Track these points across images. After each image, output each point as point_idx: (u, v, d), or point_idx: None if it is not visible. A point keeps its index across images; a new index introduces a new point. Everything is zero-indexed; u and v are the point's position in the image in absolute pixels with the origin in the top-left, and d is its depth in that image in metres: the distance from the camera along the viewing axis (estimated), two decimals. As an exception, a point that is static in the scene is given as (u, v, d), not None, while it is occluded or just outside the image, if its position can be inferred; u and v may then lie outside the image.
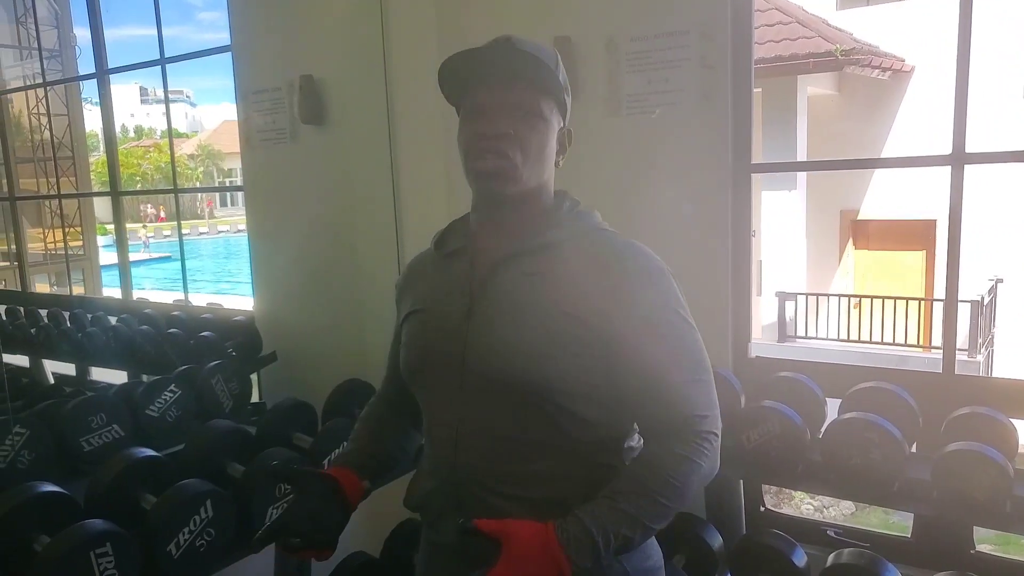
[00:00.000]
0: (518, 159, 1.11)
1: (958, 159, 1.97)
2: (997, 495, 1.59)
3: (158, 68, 3.02)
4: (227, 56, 2.75)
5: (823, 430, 1.85)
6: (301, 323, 2.71)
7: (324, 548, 1.20)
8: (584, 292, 1.10)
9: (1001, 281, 8.67)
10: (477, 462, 1.13)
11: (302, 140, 2.59)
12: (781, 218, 8.47)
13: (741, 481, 2.15)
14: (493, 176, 1.12)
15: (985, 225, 7.59)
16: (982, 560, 1.99)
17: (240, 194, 3.30)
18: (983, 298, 7.83)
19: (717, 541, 1.97)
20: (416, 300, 1.25)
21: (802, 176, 8.78)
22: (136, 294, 3.22)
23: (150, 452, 1.67)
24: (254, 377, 2.63)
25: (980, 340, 7.78)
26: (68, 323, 2.82)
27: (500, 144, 1.10)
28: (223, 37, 2.78)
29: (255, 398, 2.53)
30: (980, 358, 7.66)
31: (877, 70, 8.84)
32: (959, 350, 2.05)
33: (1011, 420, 1.77)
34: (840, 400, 1.97)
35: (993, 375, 7.73)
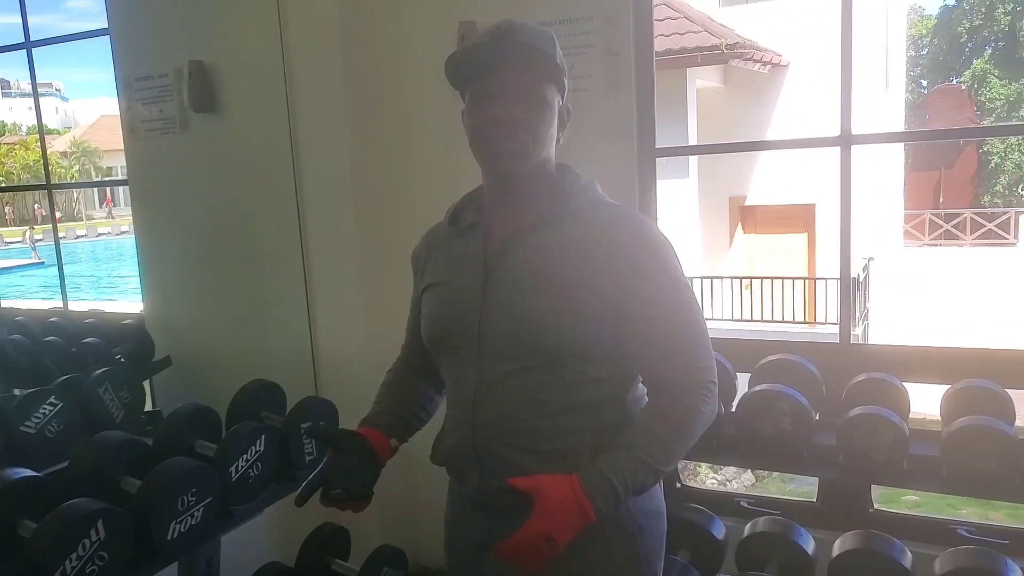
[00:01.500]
0: (529, 141, 1.20)
1: (846, 140, 2.07)
2: (895, 454, 1.67)
3: (24, 58, 2.77)
4: (104, 46, 2.56)
5: (735, 403, 1.90)
6: (198, 324, 2.56)
7: (362, 499, 1.30)
8: (595, 264, 1.19)
9: (873, 259, 9.30)
10: (495, 420, 1.23)
11: (194, 130, 2.45)
12: (675, 205, 8.75)
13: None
14: (507, 157, 1.20)
15: (856, 207, 8.09)
16: (880, 517, 2.10)
17: (124, 195, 3.08)
18: (858, 275, 8.37)
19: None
20: (434, 273, 1.35)
21: (694, 165, 9.11)
22: (3, 303, 2.96)
23: (27, 472, 1.51)
24: (147, 385, 2.46)
25: (858, 314, 8.32)
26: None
27: (511, 128, 1.19)
28: (96, 25, 2.59)
29: (148, 406, 2.37)
30: (858, 330, 8.20)
31: (759, 64, 9.29)
32: (839, 324, 2.16)
33: (903, 384, 1.88)
34: (748, 374, 2.03)
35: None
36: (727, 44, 8.45)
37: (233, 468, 1.72)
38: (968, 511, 4.90)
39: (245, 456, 1.75)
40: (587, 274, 1.18)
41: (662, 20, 8.55)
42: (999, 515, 4.45)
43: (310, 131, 2.41)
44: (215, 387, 2.19)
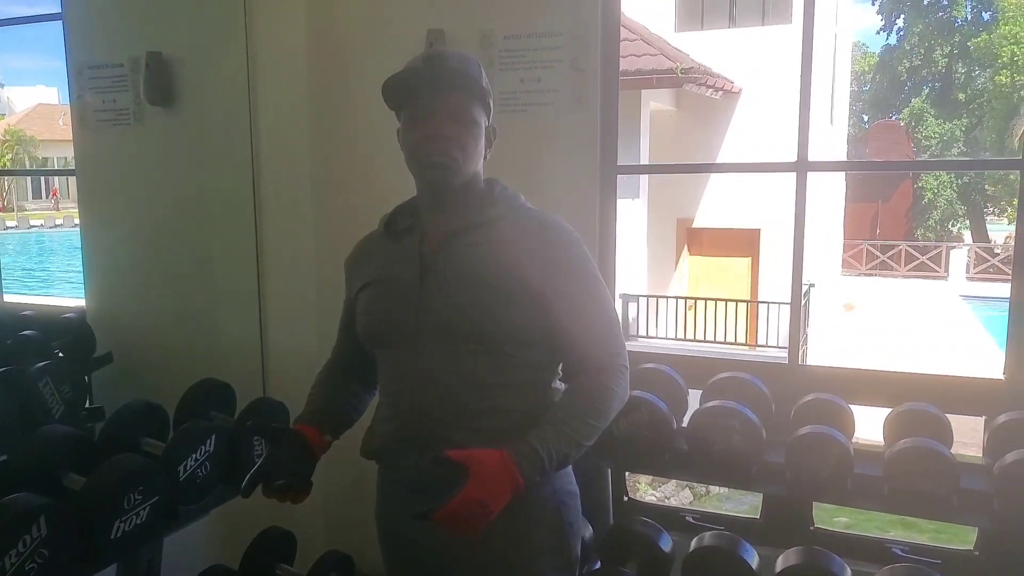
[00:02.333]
0: (459, 156, 1.33)
1: (802, 166, 2.14)
2: (841, 473, 1.73)
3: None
4: (46, 32, 2.48)
5: (687, 419, 1.94)
6: (144, 321, 2.49)
7: (301, 491, 1.41)
8: (521, 257, 1.33)
9: (813, 286, 9.59)
10: (436, 403, 1.33)
11: (148, 122, 2.39)
12: (625, 225, 8.87)
13: (610, 471, 2.21)
14: (441, 171, 1.33)
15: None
16: (820, 535, 2.16)
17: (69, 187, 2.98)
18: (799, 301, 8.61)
19: (588, 531, 2.01)
20: (370, 274, 1.44)
21: (644, 186, 9.26)
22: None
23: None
24: (87, 381, 2.37)
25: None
26: None
27: (443, 145, 1.32)
28: (40, 9, 2.51)
29: (88, 403, 2.28)
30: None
31: (711, 89, 9.51)
32: (780, 347, 2.24)
33: (849, 405, 1.94)
34: (699, 391, 2.07)
35: (808, 371, 8.52)
36: (682, 68, 8.64)
37: (182, 467, 1.67)
38: (896, 532, 5.07)
39: (194, 455, 1.70)
40: (515, 268, 1.32)
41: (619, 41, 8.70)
42: (925, 537, 4.62)
43: (271, 130, 2.37)
44: (159, 385, 2.12)
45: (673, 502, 6.55)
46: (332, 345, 1.62)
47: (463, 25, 2.23)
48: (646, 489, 6.63)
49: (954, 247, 17.78)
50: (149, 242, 2.50)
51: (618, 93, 2.25)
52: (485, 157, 1.42)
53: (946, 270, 16.56)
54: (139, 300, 2.54)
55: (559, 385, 1.44)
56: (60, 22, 2.48)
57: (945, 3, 24.22)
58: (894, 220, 21.92)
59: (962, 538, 2.09)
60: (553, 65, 2.21)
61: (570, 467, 1.45)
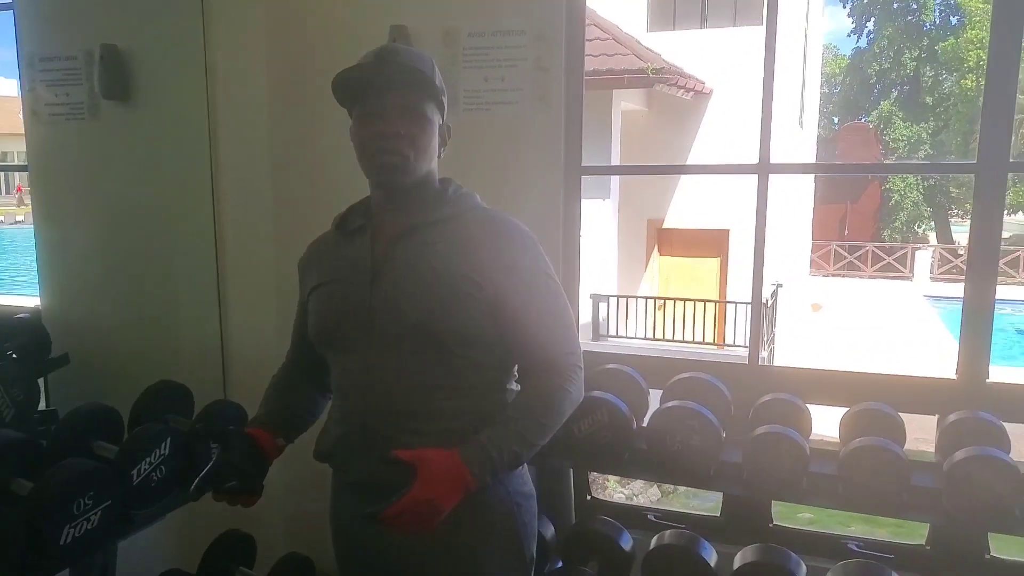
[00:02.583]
0: (411, 154, 1.31)
1: (764, 168, 2.16)
2: (797, 472, 1.75)
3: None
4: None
5: (647, 419, 1.95)
6: (101, 322, 2.44)
7: (252, 494, 1.39)
8: (473, 257, 1.31)
9: (781, 286, 9.71)
10: (386, 404, 1.32)
11: (103, 117, 2.34)
12: (595, 225, 8.92)
13: (571, 471, 2.21)
14: (392, 170, 1.31)
15: (768, 236, 8.46)
16: (779, 532, 2.19)
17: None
18: (767, 300, 8.72)
19: (549, 531, 2.02)
20: (321, 274, 1.42)
21: (615, 186, 9.30)
22: None
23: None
24: (41, 383, 2.32)
25: (765, 338, 8.65)
26: None
27: (395, 143, 1.29)
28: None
29: (43, 406, 2.23)
30: (764, 353, 8.53)
31: (682, 90, 9.58)
32: (748, 347, 2.26)
33: (807, 405, 1.96)
34: (660, 391, 2.08)
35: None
36: (653, 68, 8.69)
37: (136, 471, 1.64)
38: (857, 528, 5.15)
39: (149, 459, 1.67)
40: (468, 268, 1.30)
41: (591, 40, 8.72)
42: (884, 532, 4.70)
43: (230, 126, 2.34)
44: (117, 388, 2.08)
45: (641, 500, 6.60)
46: (294, 347, 1.61)
47: (426, 21, 2.22)
48: (615, 487, 6.67)
49: (919, 248, 18.12)
50: (106, 240, 2.45)
51: (582, 93, 2.25)
52: (439, 155, 1.41)
53: (911, 271, 16.87)
54: (97, 300, 2.49)
55: (515, 387, 1.43)
56: (11, 12, 2.42)
57: (914, 7, 24.67)
58: (862, 221, 22.29)
59: (920, 533, 2.13)
60: (517, 64, 2.20)
61: (526, 468, 1.46)
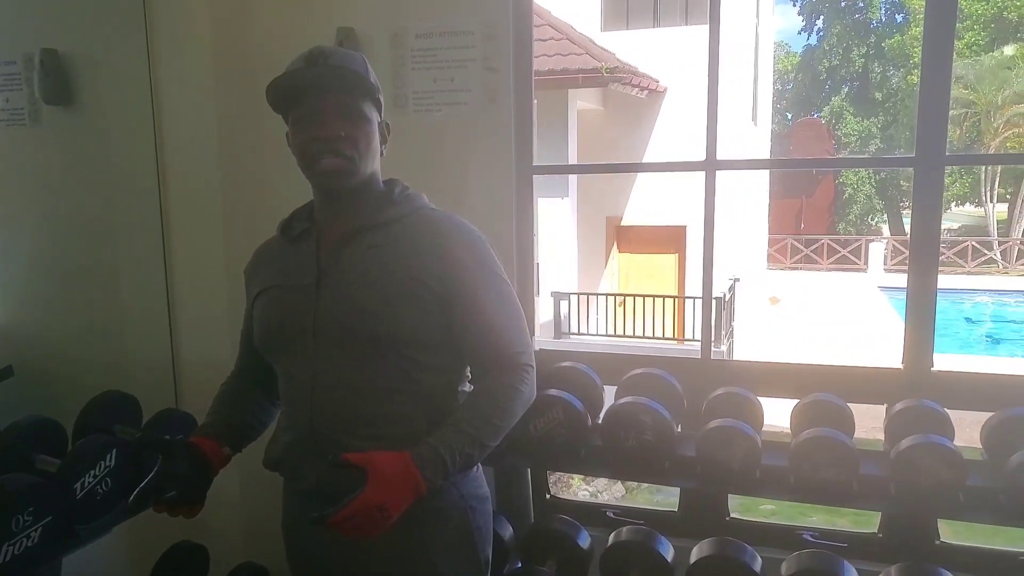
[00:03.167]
0: (354, 156, 1.29)
1: (711, 165, 2.19)
2: (749, 464, 1.77)
3: None
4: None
5: (602, 415, 1.96)
6: (47, 332, 2.37)
7: (194, 504, 1.37)
8: (420, 258, 1.30)
9: (738, 280, 9.85)
10: (334, 409, 1.30)
11: (45, 123, 2.27)
12: (555, 223, 8.95)
13: (529, 470, 2.21)
14: (334, 174, 1.29)
15: (724, 230, 8.59)
16: (736, 525, 2.22)
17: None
18: (725, 295, 8.84)
19: (508, 532, 2.01)
20: (266, 279, 1.41)
21: (573, 185, 9.35)
22: None
23: None
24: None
25: (723, 332, 8.76)
26: None
27: (336, 145, 1.27)
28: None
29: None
30: (723, 347, 8.64)
31: (636, 88, 9.66)
32: (701, 340, 2.29)
33: (758, 398, 1.99)
34: (615, 387, 2.09)
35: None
36: (607, 68, 8.76)
37: (79, 484, 1.60)
38: (818, 518, 5.24)
39: (93, 471, 1.63)
40: (416, 268, 1.29)
41: (546, 40, 8.76)
42: (844, 521, 4.79)
43: (177, 131, 2.29)
44: (62, 400, 2.03)
45: (605, 496, 6.64)
46: (246, 355, 1.57)
47: (373, 24, 2.20)
48: (579, 484, 6.70)
49: (873, 240, 18.55)
50: (51, 248, 2.38)
51: (532, 92, 2.25)
52: (382, 154, 1.39)
53: (866, 262, 17.26)
54: (42, 310, 2.42)
55: (468, 388, 1.43)
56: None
57: (861, 5, 25.26)
58: (817, 215, 22.75)
59: (875, 521, 2.17)
60: (466, 64, 2.19)
61: (480, 470, 1.45)
